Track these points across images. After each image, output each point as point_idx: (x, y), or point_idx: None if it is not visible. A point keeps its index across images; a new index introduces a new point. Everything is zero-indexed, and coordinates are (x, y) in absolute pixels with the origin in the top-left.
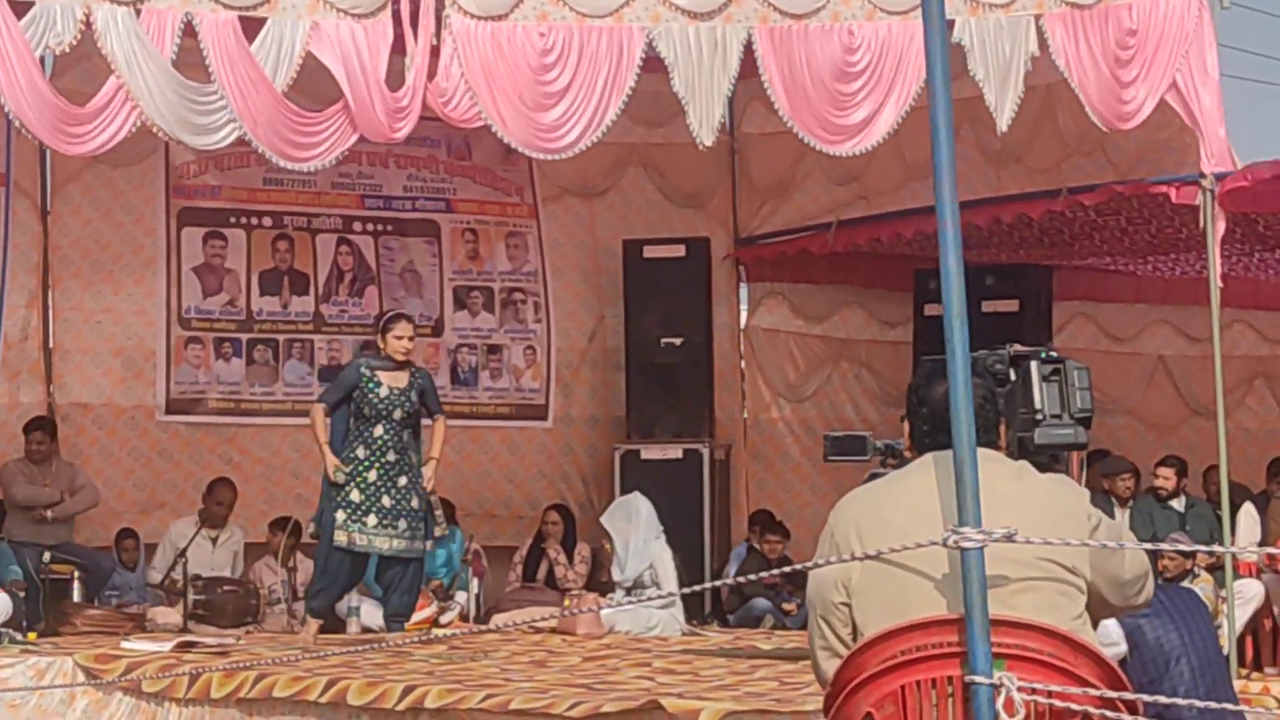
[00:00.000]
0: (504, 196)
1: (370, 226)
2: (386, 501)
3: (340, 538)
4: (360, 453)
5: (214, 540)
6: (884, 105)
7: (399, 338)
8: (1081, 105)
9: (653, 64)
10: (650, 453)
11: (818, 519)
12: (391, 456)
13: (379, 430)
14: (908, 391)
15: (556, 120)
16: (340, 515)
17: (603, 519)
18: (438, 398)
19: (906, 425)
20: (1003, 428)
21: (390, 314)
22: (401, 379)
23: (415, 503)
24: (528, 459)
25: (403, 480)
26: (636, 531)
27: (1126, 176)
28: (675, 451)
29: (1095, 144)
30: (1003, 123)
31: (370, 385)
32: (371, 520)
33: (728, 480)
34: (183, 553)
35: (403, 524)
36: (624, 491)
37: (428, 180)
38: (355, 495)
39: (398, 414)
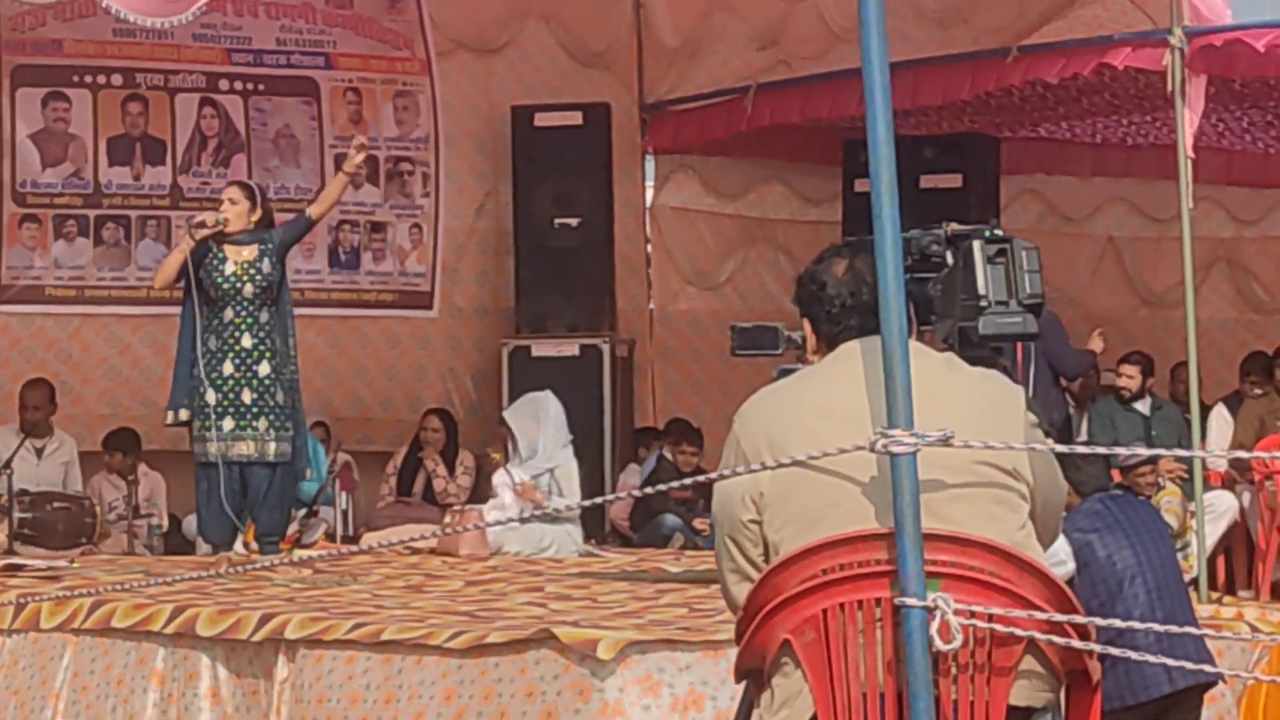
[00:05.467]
0: (391, 50)
1: (238, 85)
2: (246, 397)
3: (198, 449)
4: (212, 343)
5: (39, 451)
6: None
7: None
8: None
9: None
10: (542, 349)
11: (729, 424)
12: (247, 341)
13: (228, 314)
14: (798, 281)
15: None
16: (196, 423)
17: (506, 413)
18: (294, 224)
19: (806, 321)
20: (911, 312)
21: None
22: (249, 251)
23: (280, 397)
24: (410, 354)
25: (264, 369)
26: (544, 433)
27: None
28: (571, 348)
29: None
30: None
31: (215, 262)
32: (228, 423)
33: (631, 380)
34: (6, 464)
35: (263, 423)
36: (512, 394)
37: (303, 32)
38: (210, 395)
39: (248, 290)
